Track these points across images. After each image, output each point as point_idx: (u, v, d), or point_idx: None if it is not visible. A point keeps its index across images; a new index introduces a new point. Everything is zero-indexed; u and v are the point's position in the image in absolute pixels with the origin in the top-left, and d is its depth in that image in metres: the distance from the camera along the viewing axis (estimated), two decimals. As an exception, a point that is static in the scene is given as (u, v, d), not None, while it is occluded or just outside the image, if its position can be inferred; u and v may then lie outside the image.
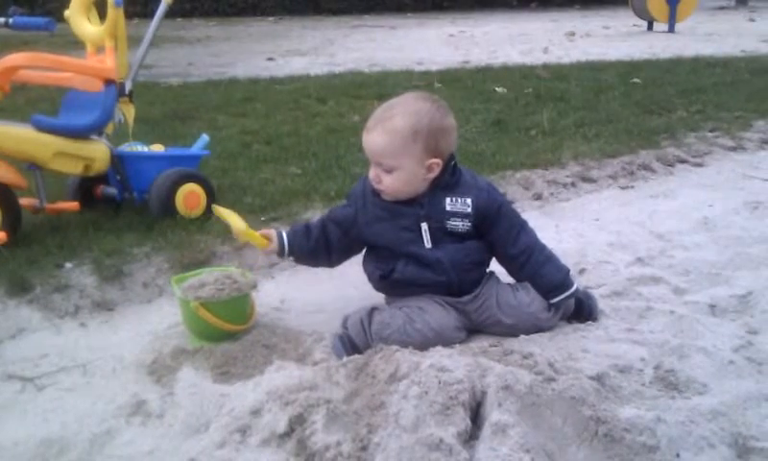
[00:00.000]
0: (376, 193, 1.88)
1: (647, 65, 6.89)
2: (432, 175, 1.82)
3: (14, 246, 2.27)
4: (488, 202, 1.86)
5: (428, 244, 1.83)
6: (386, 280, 1.89)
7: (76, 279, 2.14)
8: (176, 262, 2.26)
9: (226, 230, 2.44)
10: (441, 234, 1.83)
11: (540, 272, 1.88)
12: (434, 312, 1.80)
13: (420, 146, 1.78)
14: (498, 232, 1.88)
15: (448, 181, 1.85)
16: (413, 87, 5.52)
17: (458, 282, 1.85)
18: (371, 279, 1.95)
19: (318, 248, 1.94)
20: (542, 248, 1.93)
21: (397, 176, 1.80)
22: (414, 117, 1.78)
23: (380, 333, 1.74)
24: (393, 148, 1.78)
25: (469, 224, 1.84)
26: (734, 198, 3.10)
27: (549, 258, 1.92)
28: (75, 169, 2.50)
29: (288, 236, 1.94)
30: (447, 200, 1.84)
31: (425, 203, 1.84)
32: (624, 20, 12.99)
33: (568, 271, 1.93)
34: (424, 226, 1.83)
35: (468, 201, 1.84)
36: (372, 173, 1.85)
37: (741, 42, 9.27)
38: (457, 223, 1.84)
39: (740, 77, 6.12)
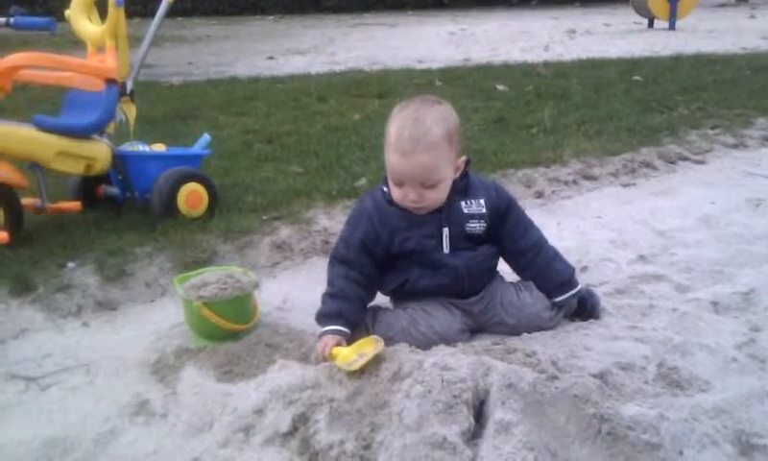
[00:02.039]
0: (392, 203, 1.80)
1: (648, 63, 6.88)
2: (457, 175, 1.81)
3: (17, 246, 2.27)
4: (498, 199, 1.87)
5: (446, 249, 1.80)
6: (398, 292, 1.86)
7: (78, 278, 2.14)
8: (178, 262, 2.26)
9: (227, 228, 2.46)
10: (459, 239, 1.81)
11: (550, 266, 1.89)
12: (438, 315, 1.80)
13: (453, 150, 1.76)
14: (509, 226, 1.88)
15: (459, 185, 1.83)
16: (414, 86, 5.53)
17: (468, 289, 1.83)
18: (380, 289, 1.90)
19: (360, 293, 1.78)
20: (550, 245, 1.94)
21: (441, 187, 1.76)
22: (444, 123, 1.73)
23: (383, 334, 1.73)
24: (438, 162, 1.72)
25: (485, 224, 1.84)
26: (736, 195, 3.09)
27: (557, 254, 1.93)
28: (77, 169, 2.50)
29: (341, 323, 1.71)
30: (462, 203, 1.83)
31: (444, 207, 1.80)
32: (624, 18, 12.98)
33: (574, 269, 1.93)
34: (446, 231, 1.80)
35: (482, 201, 1.84)
36: (413, 194, 1.75)
37: (742, 39, 9.26)
38: (474, 224, 1.83)
39: (741, 74, 6.11)
